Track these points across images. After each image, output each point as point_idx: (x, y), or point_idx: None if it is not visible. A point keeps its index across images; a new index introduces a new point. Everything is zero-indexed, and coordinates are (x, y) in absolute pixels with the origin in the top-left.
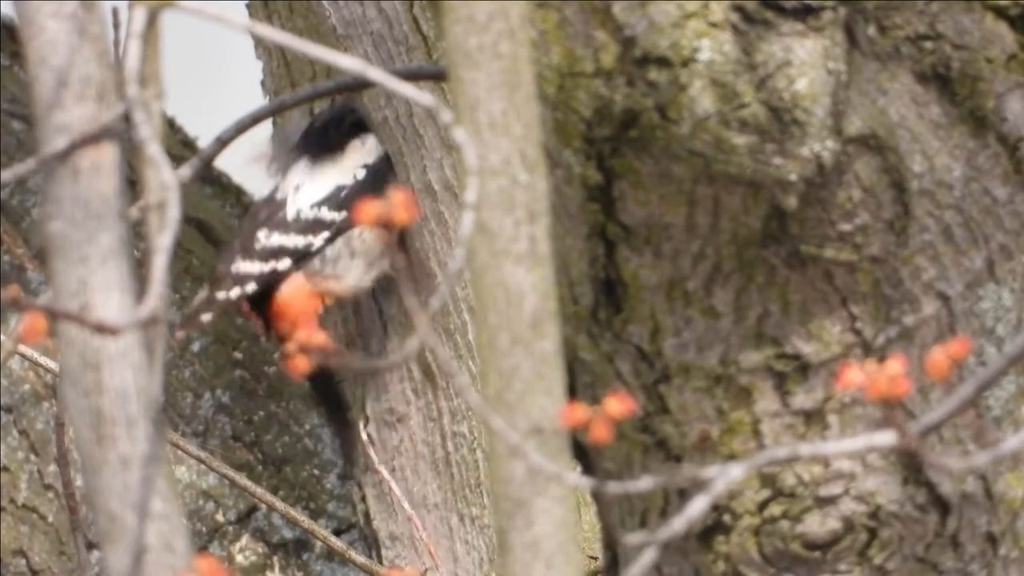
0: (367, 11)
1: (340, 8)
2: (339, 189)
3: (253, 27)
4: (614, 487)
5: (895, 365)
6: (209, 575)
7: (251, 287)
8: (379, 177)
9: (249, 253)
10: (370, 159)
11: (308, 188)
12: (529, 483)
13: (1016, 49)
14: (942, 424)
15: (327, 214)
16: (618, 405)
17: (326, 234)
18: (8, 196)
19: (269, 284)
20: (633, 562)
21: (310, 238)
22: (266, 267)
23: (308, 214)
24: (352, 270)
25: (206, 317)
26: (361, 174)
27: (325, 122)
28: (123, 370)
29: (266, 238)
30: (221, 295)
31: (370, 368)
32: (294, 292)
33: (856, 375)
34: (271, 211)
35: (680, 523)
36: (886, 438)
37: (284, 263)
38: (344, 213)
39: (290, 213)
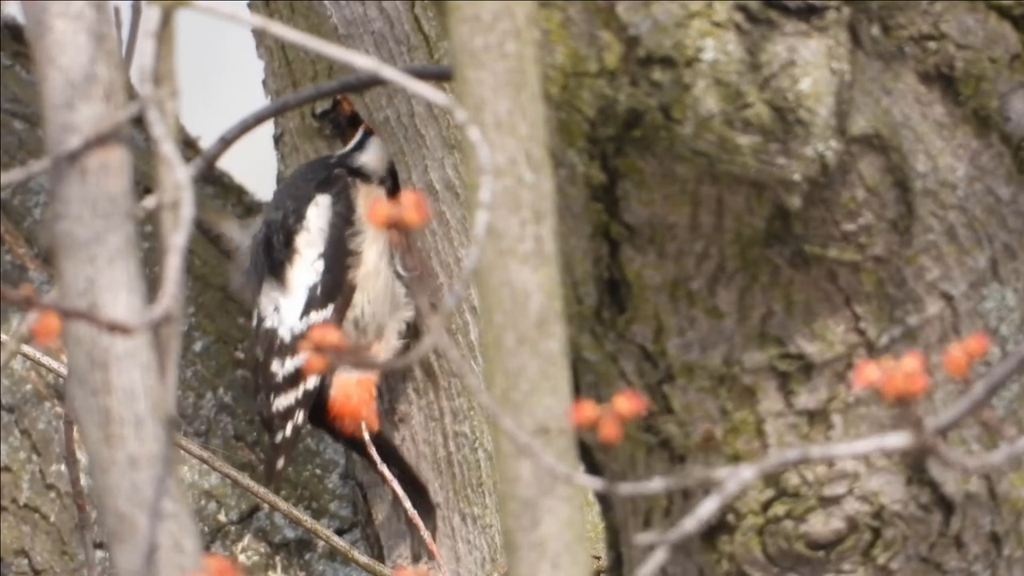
0: (368, 11)
1: (341, 8)
2: (312, 288)
3: (267, 26)
4: (625, 489)
5: (911, 362)
6: (219, 574)
7: (300, 416)
8: (339, 249)
9: (277, 389)
10: (319, 248)
11: (285, 304)
12: (535, 483)
13: (1020, 49)
14: (955, 424)
15: (316, 316)
16: (627, 404)
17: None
18: (10, 196)
19: (313, 400)
20: (640, 562)
21: None
22: (299, 392)
23: (301, 327)
24: (385, 327)
25: (280, 464)
26: (320, 265)
27: (263, 240)
28: (131, 369)
29: (281, 367)
30: (279, 438)
31: (381, 367)
32: (344, 389)
33: (873, 372)
34: (269, 344)
35: (691, 524)
36: (898, 439)
37: (311, 381)
38: (330, 305)
39: (286, 336)
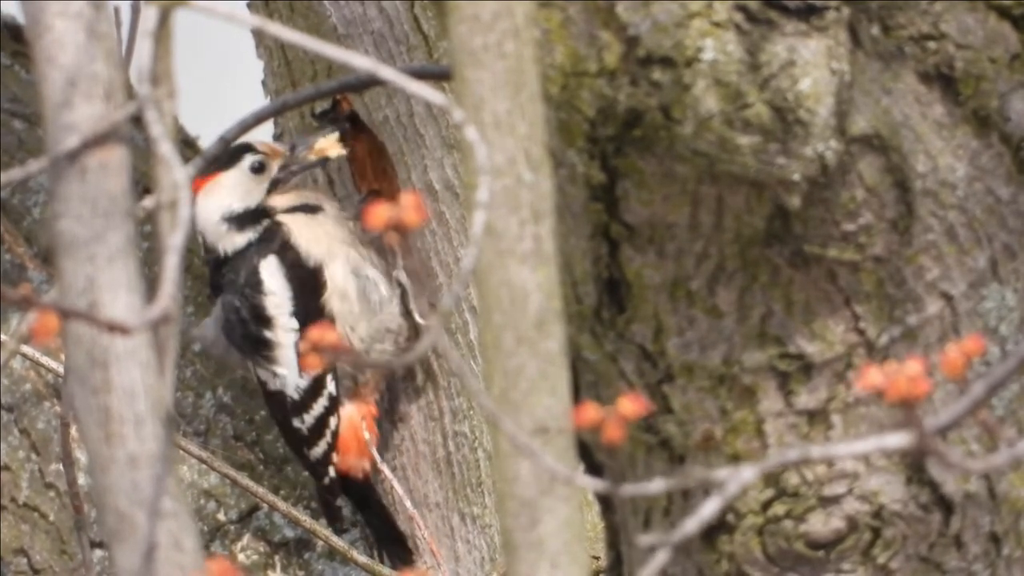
0: (368, 10)
1: (341, 7)
2: (297, 344)
3: (265, 26)
4: (626, 490)
5: (914, 366)
6: (219, 575)
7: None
8: (304, 293)
9: (306, 441)
10: (287, 307)
11: (281, 369)
12: (534, 482)
13: (1020, 49)
14: (954, 425)
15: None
16: (630, 405)
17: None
18: (9, 195)
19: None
20: (640, 563)
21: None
22: (327, 438)
23: (303, 383)
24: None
25: (338, 502)
26: (294, 322)
27: (236, 321)
28: (131, 368)
29: (302, 423)
30: (327, 480)
31: (381, 367)
32: (347, 429)
33: (875, 375)
34: (281, 406)
35: (692, 525)
36: (897, 439)
37: (333, 423)
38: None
39: (294, 395)
